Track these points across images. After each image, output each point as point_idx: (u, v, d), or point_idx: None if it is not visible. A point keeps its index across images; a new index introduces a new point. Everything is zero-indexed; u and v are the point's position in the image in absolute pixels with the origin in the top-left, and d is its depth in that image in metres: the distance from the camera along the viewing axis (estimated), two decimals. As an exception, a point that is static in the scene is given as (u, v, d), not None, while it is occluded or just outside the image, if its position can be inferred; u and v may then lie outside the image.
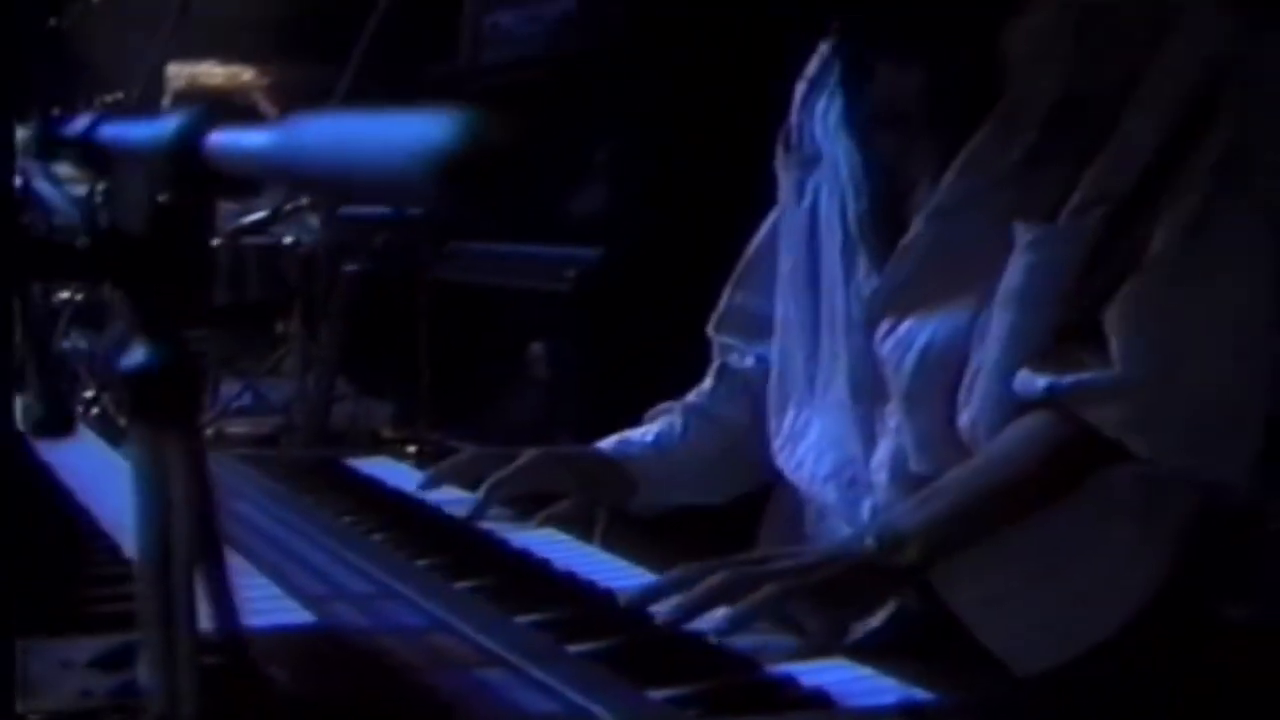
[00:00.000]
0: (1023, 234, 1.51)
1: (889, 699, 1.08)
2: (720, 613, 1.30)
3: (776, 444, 1.81)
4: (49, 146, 0.64)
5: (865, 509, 1.65)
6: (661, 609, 1.32)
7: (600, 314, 3.43)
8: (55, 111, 3.44)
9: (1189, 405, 1.48)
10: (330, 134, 0.48)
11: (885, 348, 1.62)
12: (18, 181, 0.65)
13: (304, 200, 4.62)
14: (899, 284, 1.62)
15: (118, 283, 0.59)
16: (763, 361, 1.90)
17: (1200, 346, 1.49)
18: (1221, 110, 1.48)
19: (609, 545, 1.74)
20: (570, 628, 1.25)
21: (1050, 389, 1.48)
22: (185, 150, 0.54)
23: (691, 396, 1.95)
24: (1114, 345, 1.47)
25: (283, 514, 1.66)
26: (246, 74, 5.73)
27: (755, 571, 1.38)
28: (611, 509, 1.89)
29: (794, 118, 1.83)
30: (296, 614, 1.20)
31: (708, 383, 1.95)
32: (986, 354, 1.53)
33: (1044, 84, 1.54)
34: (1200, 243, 1.48)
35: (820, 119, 1.76)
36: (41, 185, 0.62)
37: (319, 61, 5.08)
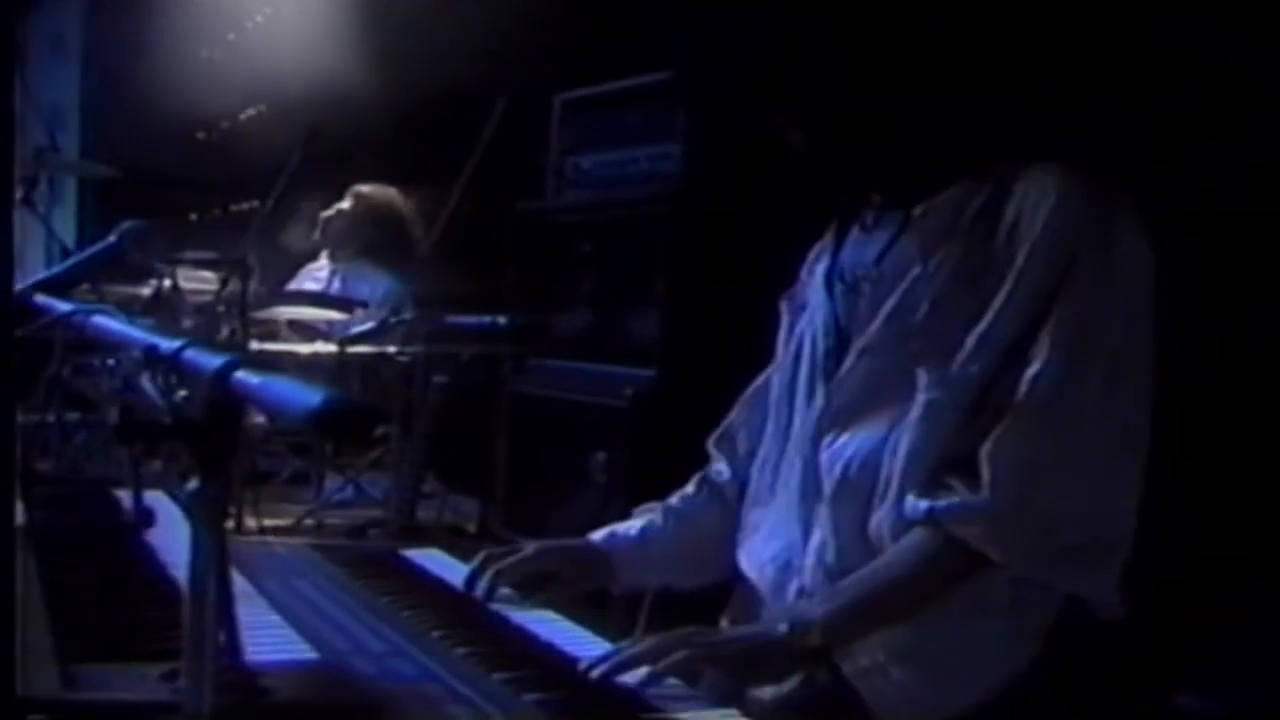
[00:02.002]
0: (923, 377, 1.94)
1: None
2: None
3: (739, 538, 2.23)
4: (151, 361, 1.09)
5: (792, 590, 2.07)
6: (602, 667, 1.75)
7: (651, 428, 3.87)
8: (194, 216, 4.06)
9: (1041, 525, 1.86)
10: (272, 391, 0.92)
11: (824, 458, 2.05)
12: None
13: (406, 315, 5.13)
14: (837, 407, 2.06)
15: (186, 443, 1.04)
16: (737, 478, 2.32)
17: (1053, 480, 1.87)
18: (1074, 287, 1.89)
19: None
20: (531, 682, 1.67)
21: (929, 510, 1.88)
22: (221, 378, 0.99)
23: (674, 499, 2.38)
24: (984, 475, 1.87)
25: (333, 591, 2.09)
26: (398, 195, 6.34)
27: (675, 641, 1.80)
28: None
29: (802, 274, 2.28)
30: (306, 654, 1.64)
31: (690, 488, 2.39)
32: (894, 471, 1.95)
33: (942, 258, 1.97)
34: (1058, 396, 1.87)
35: (813, 278, 2.22)
36: (146, 385, 1.06)
37: (428, 183, 5.67)
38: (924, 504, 1.89)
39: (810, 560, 2.05)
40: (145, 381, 1.08)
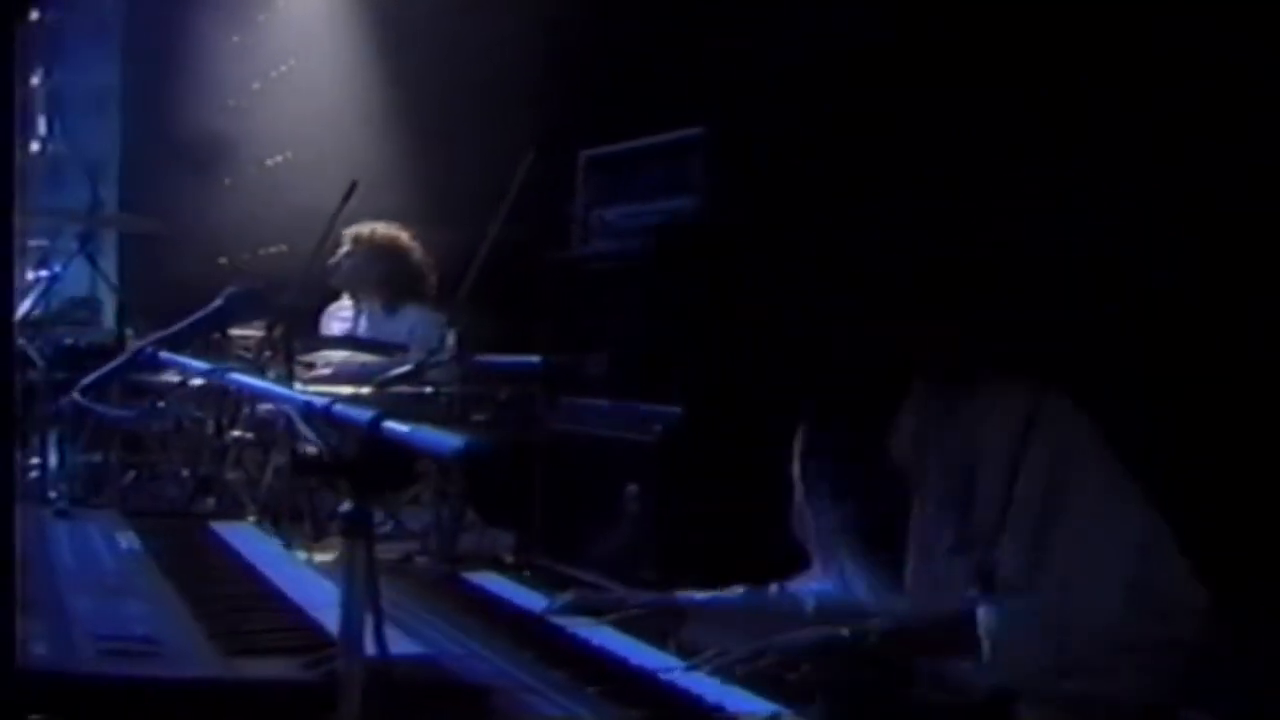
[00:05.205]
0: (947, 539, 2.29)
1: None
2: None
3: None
4: (310, 418, 1.40)
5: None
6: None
7: (679, 461, 4.17)
8: (222, 260, 4.44)
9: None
10: (419, 435, 1.23)
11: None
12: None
13: (444, 356, 5.42)
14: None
15: (345, 478, 1.34)
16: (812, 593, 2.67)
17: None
18: (1033, 459, 2.22)
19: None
20: (594, 679, 1.97)
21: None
22: (375, 426, 1.29)
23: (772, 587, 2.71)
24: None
25: (411, 606, 2.39)
26: (404, 233, 6.57)
27: (762, 646, 2.18)
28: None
29: None
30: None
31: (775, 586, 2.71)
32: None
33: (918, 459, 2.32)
34: (1035, 525, 2.21)
35: None
36: (303, 428, 1.36)
37: (452, 231, 5.95)
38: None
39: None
40: (302, 425, 1.38)
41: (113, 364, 2.39)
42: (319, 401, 1.42)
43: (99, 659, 1.62)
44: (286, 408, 1.50)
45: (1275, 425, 3.04)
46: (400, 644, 1.96)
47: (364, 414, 1.33)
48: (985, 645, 2.17)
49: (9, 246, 1.44)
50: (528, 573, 3.10)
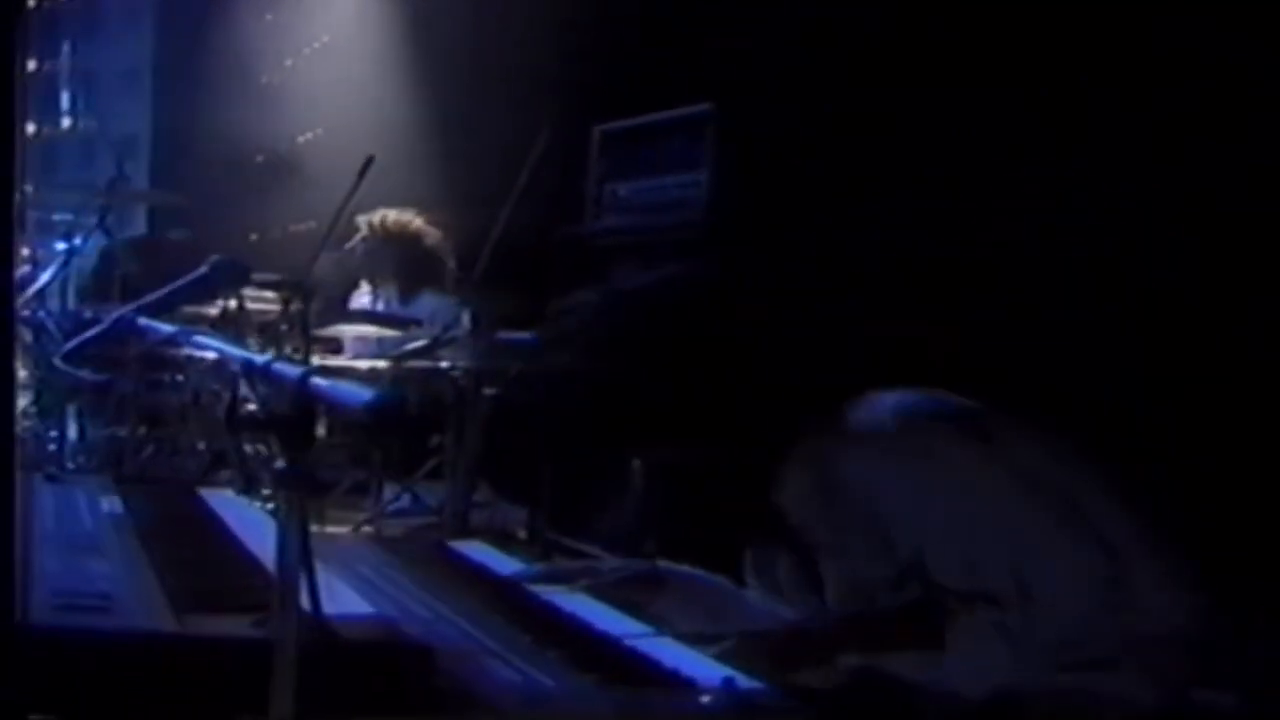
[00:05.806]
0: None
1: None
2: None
3: None
4: (250, 377, 1.43)
5: None
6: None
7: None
8: (254, 237, 4.45)
9: None
10: (337, 390, 1.25)
11: None
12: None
13: (458, 330, 5.43)
14: None
15: (276, 433, 1.36)
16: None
17: None
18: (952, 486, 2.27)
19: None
20: (554, 644, 2.00)
21: None
22: (303, 382, 1.31)
23: None
24: None
25: (391, 573, 2.42)
26: (417, 219, 6.55)
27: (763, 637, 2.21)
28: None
29: None
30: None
31: None
32: None
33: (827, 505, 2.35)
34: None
35: None
36: (244, 386, 1.38)
37: (474, 208, 5.96)
38: None
39: None
40: (244, 386, 1.41)
41: (93, 330, 2.42)
42: (259, 359, 1.45)
43: (52, 612, 1.66)
44: (234, 366, 1.51)
45: (1275, 425, 3.05)
46: (361, 607, 2.01)
47: (293, 370, 1.35)
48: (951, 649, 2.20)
49: (9, 246, 1.46)
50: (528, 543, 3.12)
